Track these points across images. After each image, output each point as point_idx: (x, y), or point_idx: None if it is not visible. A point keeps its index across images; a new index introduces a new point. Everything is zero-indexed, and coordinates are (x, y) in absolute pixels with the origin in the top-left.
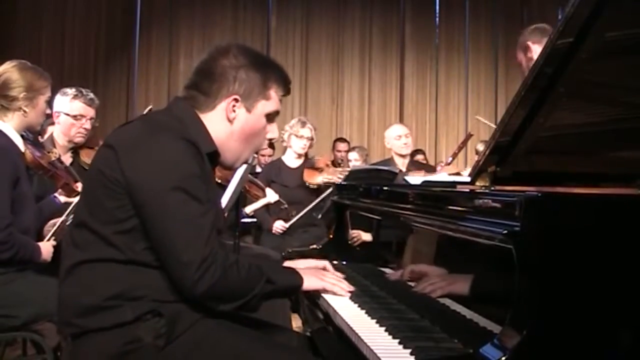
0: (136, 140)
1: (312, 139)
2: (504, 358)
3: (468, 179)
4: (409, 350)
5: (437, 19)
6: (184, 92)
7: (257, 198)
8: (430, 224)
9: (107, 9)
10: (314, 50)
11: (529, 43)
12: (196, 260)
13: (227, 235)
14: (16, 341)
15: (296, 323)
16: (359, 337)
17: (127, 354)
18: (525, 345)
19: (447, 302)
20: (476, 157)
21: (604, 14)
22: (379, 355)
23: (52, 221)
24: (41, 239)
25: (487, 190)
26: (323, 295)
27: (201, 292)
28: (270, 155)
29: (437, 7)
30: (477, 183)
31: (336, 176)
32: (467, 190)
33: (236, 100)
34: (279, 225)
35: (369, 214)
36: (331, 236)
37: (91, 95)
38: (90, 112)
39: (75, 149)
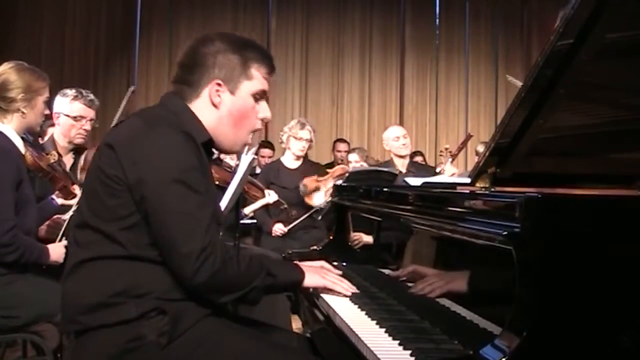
0: (134, 136)
1: (311, 140)
2: (504, 359)
3: (468, 180)
4: (409, 352)
5: (437, 20)
6: (172, 87)
7: (255, 199)
8: (430, 225)
9: (107, 10)
10: (314, 50)
11: None
12: (195, 250)
13: (227, 236)
14: (16, 343)
15: (296, 324)
16: (359, 338)
17: (130, 352)
18: (525, 347)
19: (447, 303)
20: (476, 159)
21: (604, 15)
22: (379, 356)
23: (48, 222)
24: (39, 240)
25: (487, 192)
26: (323, 296)
27: (201, 282)
28: (270, 157)
29: (437, 8)
30: (477, 184)
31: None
32: (467, 191)
33: (219, 84)
34: (278, 228)
35: (369, 215)
36: (331, 237)
37: (91, 96)
38: (90, 113)
39: (78, 150)
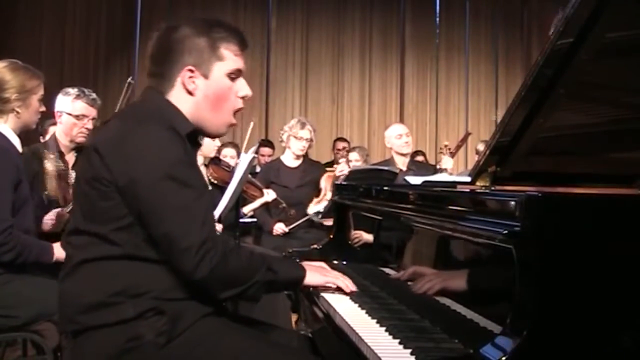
0: (118, 138)
1: (311, 140)
2: (504, 358)
3: (468, 179)
4: (409, 350)
5: (437, 20)
6: (148, 81)
7: (254, 198)
8: (430, 224)
9: (107, 10)
10: (314, 50)
11: None
12: (195, 244)
13: (227, 235)
14: (16, 342)
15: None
16: (359, 337)
17: (129, 351)
18: (526, 346)
19: (448, 302)
20: (476, 157)
21: (604, 14)
22: (379, 355)
23: (52, 212)
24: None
25: (487, 190)
26: (323, 294)
27: (202, 276)
28: (269, 155)
29: (437, 8)
30: (478, 183)
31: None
32: (468, 190)
33: (191, 71)
34: (279, 228)
35: (369, 214)
36: (331, 236)
37: (93, 95)
38: (93, 112)
39: (80, 149)
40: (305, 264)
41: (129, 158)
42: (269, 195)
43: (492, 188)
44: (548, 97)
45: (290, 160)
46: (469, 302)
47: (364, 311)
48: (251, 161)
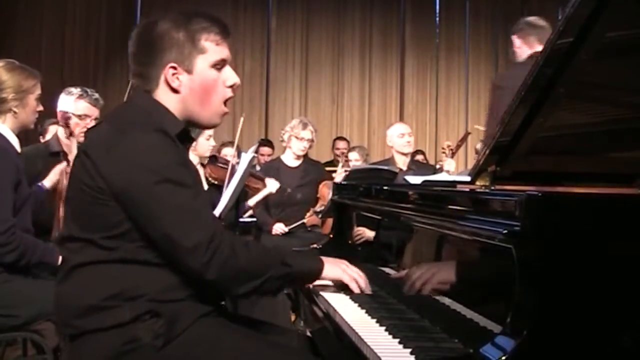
0: (108, 144)
1: (312, 140)
2: (504, 358)
3: (468, 179)
4: (409, 350)
5: (437, 19)
6: (133, 81)
7: (257, 191)
8: (430, 223)
9: (107, 10)
10: (314, 50)
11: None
12: (202, 242)
13: None
14: (16, 341)
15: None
16: (359, 336)
17: (126, 354)
18: (526, 345)
19: (447, 301)
20: (476, 157)
21: (604, 14)
22: (379, 354)
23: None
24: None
25: (487, 190)
26: (322, 294)
27: (213, 274)
28: (269, 155)
29: (437, 7)
30: (477, 183)
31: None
32: (467, 189)
33: (174, 67)
34: (279, 227)
35: (369, 214)
36: (331, 236)
37: (96, 95)
38: (95, 112)
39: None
40: (325, 258)
41: (121, 165)
42: (272, 185)
43: (492, 188)
44: (548, 97)
45: (290, 160)
46: (468, 302)
47: (363, 310)
48: (251, 161)
